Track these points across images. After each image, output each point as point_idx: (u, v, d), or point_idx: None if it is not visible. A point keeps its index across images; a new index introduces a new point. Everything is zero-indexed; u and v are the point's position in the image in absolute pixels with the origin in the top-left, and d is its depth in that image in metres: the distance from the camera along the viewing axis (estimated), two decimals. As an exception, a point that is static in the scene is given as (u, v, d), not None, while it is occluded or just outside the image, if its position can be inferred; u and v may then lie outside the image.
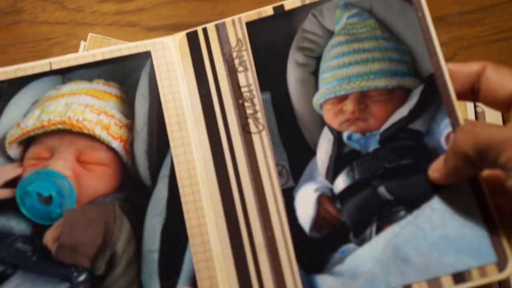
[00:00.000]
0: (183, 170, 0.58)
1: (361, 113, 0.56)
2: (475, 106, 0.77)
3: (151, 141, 0.59)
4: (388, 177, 0.53)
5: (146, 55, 0.62)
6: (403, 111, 0.55)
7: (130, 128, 0.60)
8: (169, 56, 0.62)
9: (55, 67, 0.61)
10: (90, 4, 0.94)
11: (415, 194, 0.52)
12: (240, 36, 0.60)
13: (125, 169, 0.59)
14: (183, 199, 0.57)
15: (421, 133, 0.54)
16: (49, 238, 0.56)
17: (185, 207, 0.57)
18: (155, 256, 0.55)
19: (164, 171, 0.58)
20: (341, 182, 0.55)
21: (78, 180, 0.58)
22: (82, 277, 0.55)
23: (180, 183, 0.57)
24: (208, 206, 0.57)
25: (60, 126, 0.59)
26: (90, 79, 0.62)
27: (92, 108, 0.60)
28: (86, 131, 0.59)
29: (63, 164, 0.58)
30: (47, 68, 0.61)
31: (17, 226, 0.57)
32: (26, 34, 0.93)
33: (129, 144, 0.59)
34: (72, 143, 0.59)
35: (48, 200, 0.57)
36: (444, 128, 0.53)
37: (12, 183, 0.58)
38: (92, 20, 0.93)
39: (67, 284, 0.55)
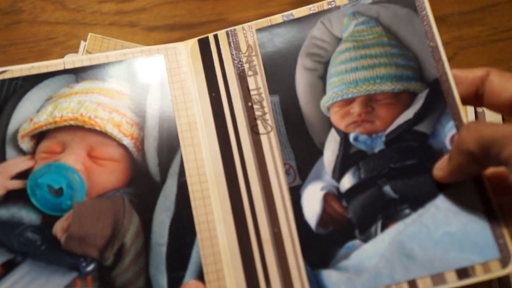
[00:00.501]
0: (192, 168, 0.61)
1: (367, 115, 0.59)
2: (475, 107, 0.79)
3: (161, 140, 0.61)
4: (393, 177, 0.56)
5: (159, 58, 0.65)
6: (408, 114, 0.58)
7: (141, 126, 0.62)
8: (181, 60, 0.65)
9: (68, 66, 0.64)
10: (90, 4, 0.96)
11: (420, 193, 0.55)
12: (251, 42, 0.64)
13: (135, 165, 0.61)
14: (191, 196, 0.60)
15: (426, 135, 0.57)
16: (58, 228, 0.58)
17: (193, 203, 0.59)
18: (163, 249, 0.57)
19: (174, 169, 0.61)
20: (347, 181, 0.58)
21: (89, 174, 0.61)
22: (90, 267, 0.57)
23: (189, 180, 0.60)
24: (216, 203, 0.59)
25: (72, 122, 0.62)
26: (103, 78, 0.64)
27: (104, 107, 0.63)
28: (98, 128, 0.62)
29: (74, 158, 0.61)
30: (60, 67, 0.64)
31: (27, 216, 0.59)
32: (26, 34, 0.95)
33: (140, 141, 0.62)
34: (83, 139, 0.62)
35: (59, 192, 0.59)
36: (448, 130, 0.56)
37: (23, 175, 0.60)
38: (92, 20, 0.95)
39: (75, 274, 0.57)
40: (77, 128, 0.62)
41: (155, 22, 0.95)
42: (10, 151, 0.62)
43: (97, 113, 0.62)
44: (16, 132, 0.62)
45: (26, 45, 0.94)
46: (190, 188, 0.60)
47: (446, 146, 0.56)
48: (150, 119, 0.62)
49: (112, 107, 0.63)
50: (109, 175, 0.61)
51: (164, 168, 0.61)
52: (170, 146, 0.61)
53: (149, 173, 0.61)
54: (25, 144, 0.62)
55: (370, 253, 0.55)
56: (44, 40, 0.94)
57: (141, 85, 0.64)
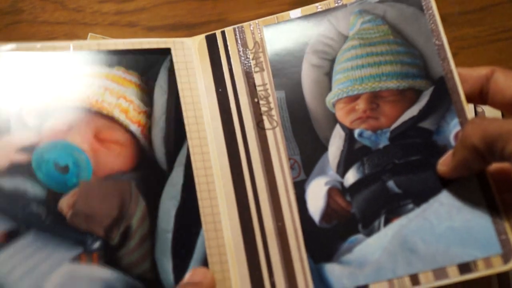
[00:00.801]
0: (198, 161, 0.63)
1: (372, 112, 0.61)
2: (475, 106, 0.80)
3: (168, 130, 0.63)
4: (397, 172, 0.58)
5: (167, 51, 0.67)
6: (413, 111, 0.60)
7: (149, 115, 0.64)
8: (188, 55, 0.67)
9: (76, 50, 0.66)
10: (90, 4, 0.97)
11: (423, 188, 0.57)
12: (258, 39, 0.66)
13: (142, 151, 0.63)
14: (197, 187, 0.61)
15: (431, 131, 0.58)
16: (64, 204, 0.59)
17: (199, 195, 0.61)
18: (169, 235, 0.59)
19: (180, 160, 0.62)
20: (351, 176, 0.60)
21: (95, 155, 0.62)
22: (96, 245, 0.58)
23: (195, 172, 0.62)
24: (221, 196, 0.61)
25: (78, 104, 0.64)
26: (110, 65, 0.66)
27: (111, 92, 0.64)
28: (105, 112, 0.63)
29: (80, 138, 0.62)
30: (67, 49, 0.66)
31: (32, 189, 0.60)
32: (26, 34, 0.96)
33: (147, 129, 0.63)
34: (91, 121, 0.63)
35: (65, 169, 0.61)
36: (453, 127, 0.58)
37: (28, 150, 0.61)
38: (92, 20, 0.96)
39: (81, 249, 0.58)
40: (83, 110, 0.64)
41: (155, 22, 0.97)
42: (16, 126, 0.63)
43: (104, 97, 0.64)
44: (23, 108, 0.64)
45: (26, 45, 0.96)
46: (196, 180, 0.62)
47: (451, 143, 0.58)
48: (157, 109, 0.64)
49: (119, 93, 0.64)
50: (116, 158, 0.63)
51: (171, 157, 0.63)
52: (177, 137, 0.63)
53: (156, 161, 0.63)
54: (31, 121, 0.64)
55: (373, 247, 0.57)
56: (44, 40, 0.96)
57: (149, 75, 0.66)
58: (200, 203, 0.61)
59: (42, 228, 0.59)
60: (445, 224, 0.55)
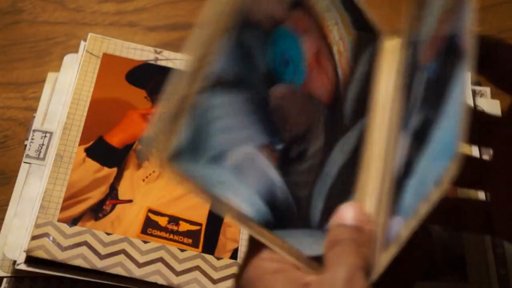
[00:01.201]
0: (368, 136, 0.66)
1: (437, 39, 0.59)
2: (474, 105, 0.83)
3: (360, 95, 0.67)
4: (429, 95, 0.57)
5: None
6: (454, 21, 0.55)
7: (351, 71, 0.67)
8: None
9: None
10: (90, 4, 1.02)
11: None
12: None
13: (337, 97, 0.65)
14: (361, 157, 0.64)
15: (455, 36, 0.53)
16: (276, 91, 0.58)
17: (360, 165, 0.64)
18: (329, 181, 0.61)
19: (359, 126, 0.66)
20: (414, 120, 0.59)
21: (310, 70, 0.61)
22: (279, 146, 0.58)
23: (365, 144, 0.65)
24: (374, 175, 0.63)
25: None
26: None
27: (339, 29, 0.66)
28: (328, 41, 0.65)
29: (309, 44, 0.62)
30: None
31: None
32: (26, 34, 0.99)
33: (346, 82, 0.66)
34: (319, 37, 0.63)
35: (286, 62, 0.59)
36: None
37: None
38: (92, 20, 1.01)
39: (267, 141, 0.57)
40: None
41: (155, 22, 1.01)
42: None
43: (333, 29, 0.66)
44: None
45: (26, 45, 0.98)
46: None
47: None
48: (357, 72, 0.68)
49: (341, 35, 0.67)
50: (321, 86, 0.63)
51: (355, 117, 0.66)
52: (362, 106, 0.67)
53: (343, 113, 0.65)
54: None
55: None
56: (44, 40, 0.99)
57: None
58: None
59: (251, 96, 0.56)
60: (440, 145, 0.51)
